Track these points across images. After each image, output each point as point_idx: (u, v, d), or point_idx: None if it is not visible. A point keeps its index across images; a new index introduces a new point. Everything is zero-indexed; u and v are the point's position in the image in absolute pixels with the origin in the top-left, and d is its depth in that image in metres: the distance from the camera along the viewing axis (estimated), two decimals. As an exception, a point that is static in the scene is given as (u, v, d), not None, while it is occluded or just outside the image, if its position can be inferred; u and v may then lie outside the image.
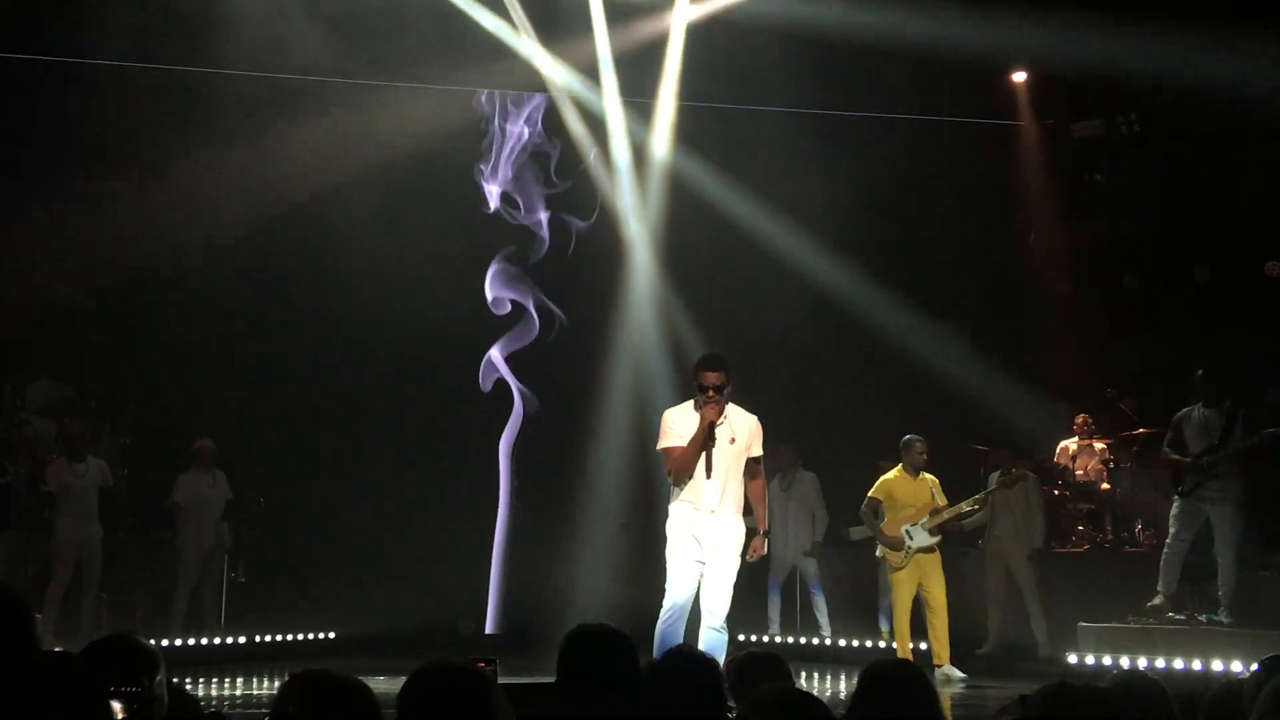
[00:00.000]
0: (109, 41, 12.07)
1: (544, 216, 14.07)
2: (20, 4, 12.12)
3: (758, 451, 7.88)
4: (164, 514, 12.44)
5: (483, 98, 13.95)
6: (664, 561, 7.79)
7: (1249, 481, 10.25)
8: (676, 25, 13.61)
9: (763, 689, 3.10)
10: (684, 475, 7.70)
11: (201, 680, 10.16)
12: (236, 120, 12.78)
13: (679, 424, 7.75)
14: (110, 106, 12.42)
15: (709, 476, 7.66)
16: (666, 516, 7.83)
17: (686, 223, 13.90)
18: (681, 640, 7.57)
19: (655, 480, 7.98)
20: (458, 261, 13.79)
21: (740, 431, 7.77)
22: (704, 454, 7.67)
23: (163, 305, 13.11)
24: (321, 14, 12.52)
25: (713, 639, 7.60)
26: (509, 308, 14.03)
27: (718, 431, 7.68)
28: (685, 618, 7.70)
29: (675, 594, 7.70)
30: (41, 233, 12.62)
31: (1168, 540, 10.42)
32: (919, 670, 3.47)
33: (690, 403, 7.82)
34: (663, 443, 7.80)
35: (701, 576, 7.71)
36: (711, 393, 7.64)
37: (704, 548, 7.68)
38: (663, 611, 7.67)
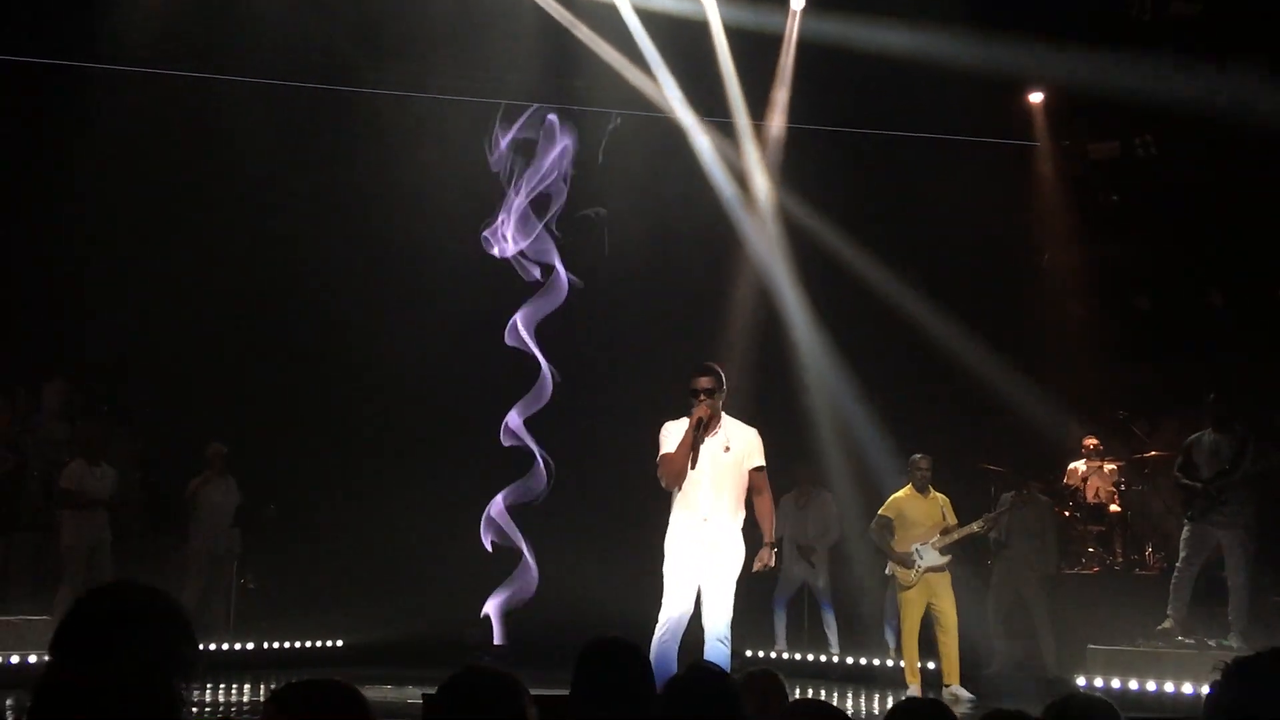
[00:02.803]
0: (134, 47, 12.13)
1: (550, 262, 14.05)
2: (54, 8, 12.17)
3: (758, 461, 7.75)
4: (175, 519, 12.49)
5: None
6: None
7: (1260, 506, 10.22)
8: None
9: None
10: (677, 477, 7.58)
11: (209, 686, 10.17)
12: (258, 128, 12.85)
13: (674, 434, 7.69)
14: (132, 109, 12.49)
15: (702, 482, 7.58)
16: (668, 524, 7.74)
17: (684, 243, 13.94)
18: (676, 657, 7.46)
19: (665, 493, 7.90)
20: (473, 279, 13.82)
21: (736, 442, 7.68)
22: (696, 458, 7.58)
23: (178, 312, 13.16)
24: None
25: (718, 652, 7.49)
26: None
27: (712, 440, 7.62)
28: (681, 634, 7.58)
29: (672, 608, 7.58)
30: (63, 236, 12.73)
31: (1178, 564, 10.38)
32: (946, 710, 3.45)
33: (687, 417, 7.75)
34: (659, 451, 7.73)
35: (700, 590, 7.61)
36: (702, 395, 7.61)
37: (701, 557, 7.58)
38: (659, 628, 7.53)
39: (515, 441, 13.51)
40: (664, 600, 7.63)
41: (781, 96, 13.68)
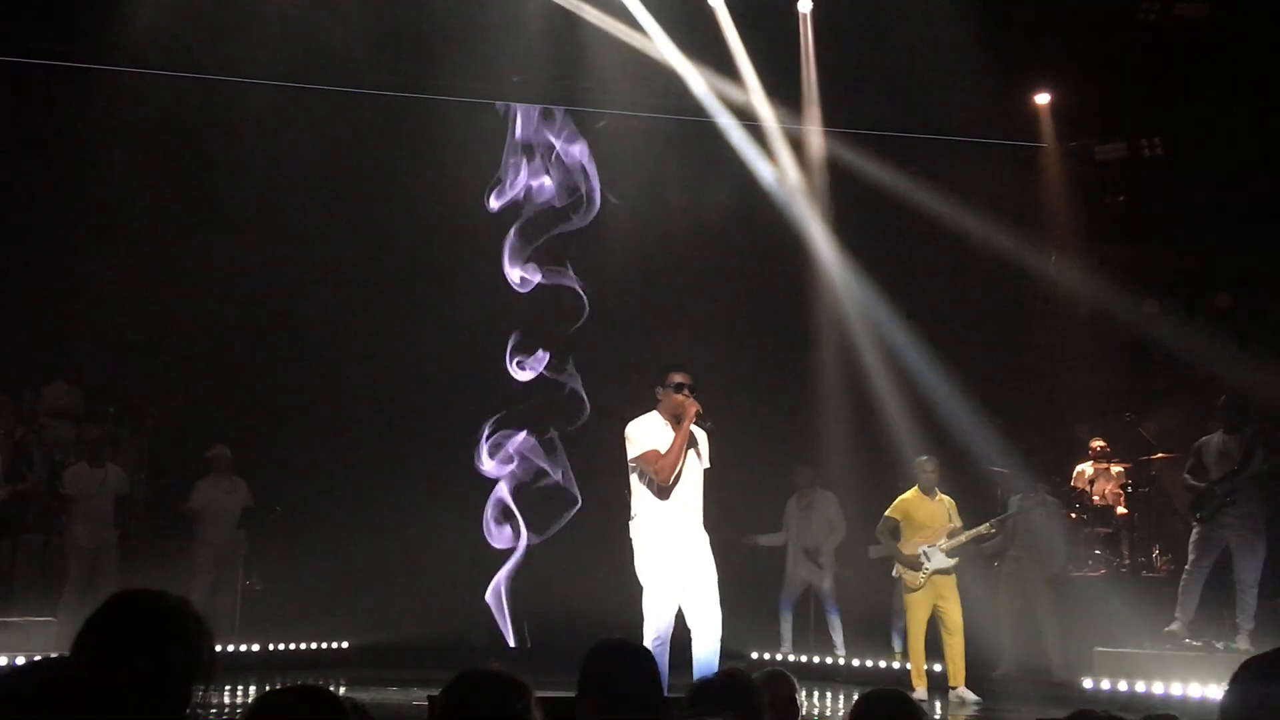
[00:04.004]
0: (139, 49, 12.12)
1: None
2: (68, 11, 12.16)
3: (707, 464, 7.75)
4: (180, 520, 12.49)
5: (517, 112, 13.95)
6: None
7: (1269, 508, 10.19)
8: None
9: None
10: (675, 476, 7.47)
11: (215, 688, 10.16)
12: (258, 136, 12.85)
13: (650, 431, 7.54)
14: (138, 111, 12.48)
15: (690, 482, 7.52)
16: (635, 533, 7.61)
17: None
18: (667, 667, 7.29)
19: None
20: (485, 281, 13.83)
21: (701, 443, 7.67)
22: (701, 456, 7.56)
23: (185, 313, 13.16)
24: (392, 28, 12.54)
25: (716, 652, 7.41)
26: (531, 287, 13.98)
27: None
28: (670, 638, 7.47)
29: (664, 614, 7.42)
30: (66, 237, 12.73)
31: (1186, 567, 10.35)
32: (913, 704, 3.51)
33: (652, 414, 7.62)
34: (638, 449, 7.50)
35: (687, 592, 7.48)
36: (688, 390, 7.52)
37: (692, 558, 7.49)
38: (651, 635, 7.34)
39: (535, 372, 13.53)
40: (651, 606, 7.45)
41: (814, 113, 13.66)
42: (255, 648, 11.99)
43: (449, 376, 13.58)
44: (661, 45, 13.05)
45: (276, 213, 13.27)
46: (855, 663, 12.21)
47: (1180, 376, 12.97)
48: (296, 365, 13.36)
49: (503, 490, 13.53)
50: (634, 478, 7.64)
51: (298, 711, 2.61)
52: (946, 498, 10.63)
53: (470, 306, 13.73)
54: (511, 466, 13.51)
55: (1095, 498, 12.64)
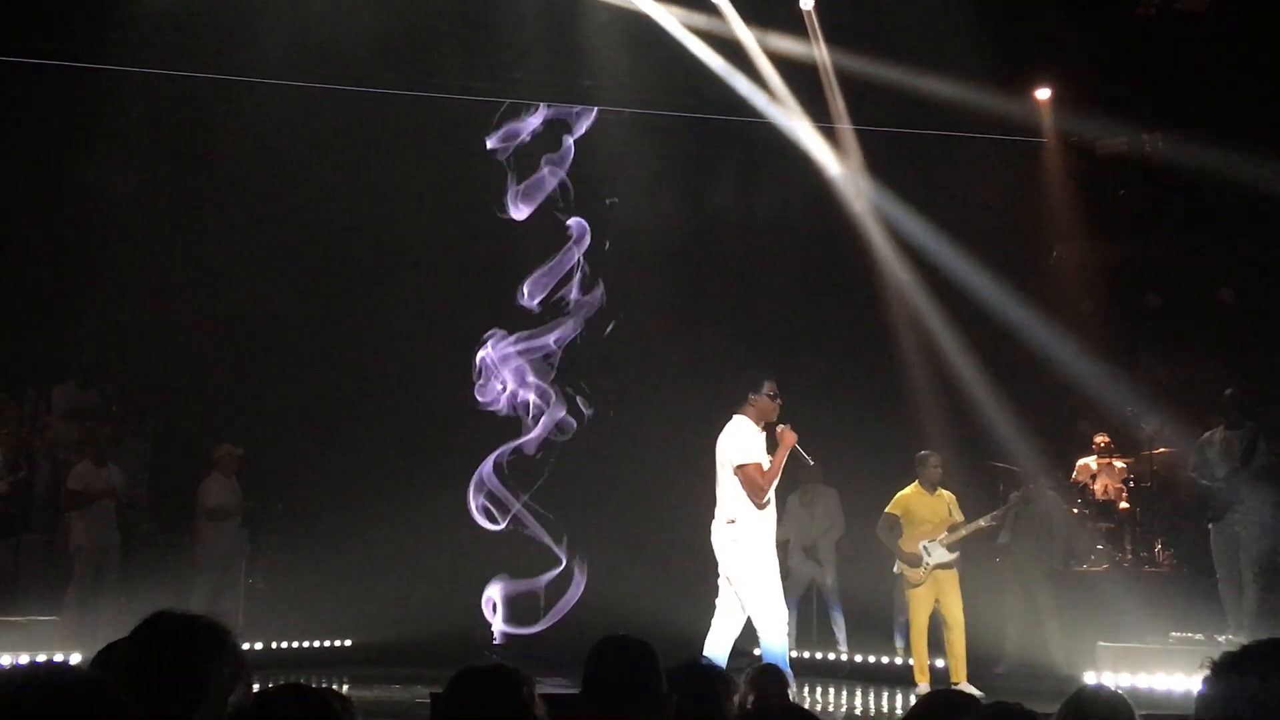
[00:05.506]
0: (140, 48, 12.13)
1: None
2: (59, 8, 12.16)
3: None
4: (184, 519, 12.49)
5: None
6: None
7: (1275, 501, 10.17)
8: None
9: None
10: (769, 492, 7.95)
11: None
12: (263, 129, 12.85)
13: (752, 441, 7.96)
14: (140, 110, 12.48)
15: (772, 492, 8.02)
16: (738, 536, 7.95)
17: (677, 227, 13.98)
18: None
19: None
20: (478, 274, 13.83)
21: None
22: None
23: (187, 312, 13.16)
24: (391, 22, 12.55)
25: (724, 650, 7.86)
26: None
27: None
28: None
29: (783, 603, 7.98)
30: (73, 237, 12.74)
31: (1218, 577, 10.33)
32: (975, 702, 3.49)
33: (743, 420, 8.01)
34: (743, 459, 7.92)
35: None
36: (779, 400, 8.04)
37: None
38: (785, 631, 7.90)
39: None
40: (775, 603, 7.88)
41: (839, 105, 13.67)
42: (258, 646, 11.99)
43: (452, 376, 13.59)
44: (684, 38, 13.10)
45: (279, 212, 13.27)
46: (858, 659, 12.22)
47: (1182, 371, 12.96)
48: (299, 364, 13.36)
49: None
50: (733, 482, 7.98)
51: (286, 710, 2.67)
52: (947, 492, 10.63)
53: (477, 305, 13.75)
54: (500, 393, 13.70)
55: (1097, 493, 12.64)
